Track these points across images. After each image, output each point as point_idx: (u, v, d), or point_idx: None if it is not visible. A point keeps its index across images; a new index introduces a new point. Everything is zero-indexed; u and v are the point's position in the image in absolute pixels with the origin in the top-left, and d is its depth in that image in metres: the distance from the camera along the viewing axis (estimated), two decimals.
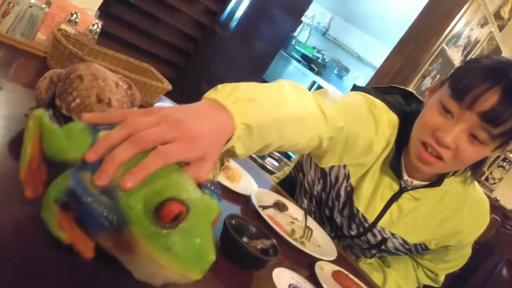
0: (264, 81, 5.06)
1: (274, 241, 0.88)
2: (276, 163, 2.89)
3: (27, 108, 0.83)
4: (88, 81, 0.79)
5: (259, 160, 2.73)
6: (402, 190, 1.16)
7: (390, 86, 1.29)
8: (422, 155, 1.02)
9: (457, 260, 1.38)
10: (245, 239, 0.86)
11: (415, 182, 1.14)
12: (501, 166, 4.06)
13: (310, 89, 4.78)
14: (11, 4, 1.07)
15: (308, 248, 1.06)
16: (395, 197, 1.18)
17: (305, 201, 1.37)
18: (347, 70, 5.28)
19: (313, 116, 0.91)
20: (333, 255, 1.11)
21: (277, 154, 3.15)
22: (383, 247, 1.26)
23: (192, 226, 0.50)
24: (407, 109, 1.20)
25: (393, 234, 1.23)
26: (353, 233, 1.26)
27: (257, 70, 3.87)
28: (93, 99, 0.78)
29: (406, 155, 1.12)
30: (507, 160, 4.06)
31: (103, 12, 2.66)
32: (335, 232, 1.32)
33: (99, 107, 0.78)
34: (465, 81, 0.95)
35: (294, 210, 1.23)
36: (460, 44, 2.70)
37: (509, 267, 1.70)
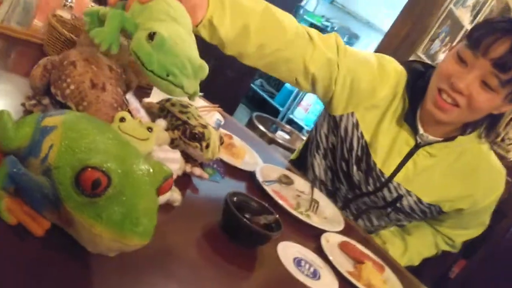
0: None
1: (277, 216, 0.88)
2: (287, 136, 2.89)
3: (24, 97, 0.84)
4: (81, 67, 0.79)
5: (270, 134, 2.73)
6: (418, 146, 1.21)
7: (414, 60, 1.36)
8: (437, 101, 1.10)
9: (475, 227, 1.40)
10: (247, 216, 0.87)
11: (431, 137, 1.19)
12: None
13: None
14: None
15: (314, 221, 1.07)
16: (411, 153, 1.22)
17: (318, 157, 1.40)
18: (357, 37, 5.19)
19: (296, 32, 1.11)
20: (340, 226, 1.11)
21: (288, 127, 3.14)
22: (398, 205, 1.28)
23: (120, 192, 0.52)
24: (421, 68, 1.25)
25: (408, 192, 1.25)
26: (370, 188, 1.28)
27: None
28: (87, 84, 0.78)
29: (422, 109, 1.18)
30: None
31: None
32: (352, 190, 1.33)
33: (93, 93, 0.78)
34: (480, 32, 1.05)
35: (301, 184, 1.23)
36: (469, 4, 2.61)
37: None
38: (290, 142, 2.83)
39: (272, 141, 2.70)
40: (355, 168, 1.27)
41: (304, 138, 3.14)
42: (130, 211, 0.53)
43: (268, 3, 1.08)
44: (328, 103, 1.27)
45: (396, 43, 2.40)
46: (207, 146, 0.87)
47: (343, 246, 1.03)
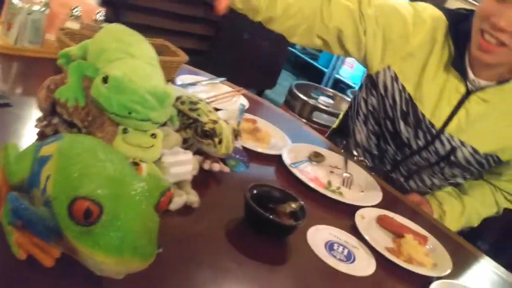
0: None
1: (302, 202, 0.86)
2: (330, 101, 2.81)
3: (36, 119, 0.85)
4: None
5: (311, 102, 2.67)
6: (469, 92, 1.15)
7: (456, 8, 1.28)
8: (481, 44, 1.05)
9: None
10: (271, 206, 0.85)
11: (483, 82, 1.13)
12: None
13: None
14: (13, 14, 1.08)
15: (348, 197, 1.03)
16: (462, 100, 1.16)
17: (358, 123, 1.38)
18: None
19: None
20: (377, 199, 1.07)
21: (331, 90, 3.06)
22: (452, 158, 1.22)
23: (115, 217, 0.52)
24: (463, 12, 1.20)
25: (462, 143, 1.19)
26: (420, 143, 1.23)
27: None
28: (90, 99, 0.78)
29: (470, 53, 1.11)
30: None
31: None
32: (401, 150, 1.29)
33: (96, 107, 0.78)
34: None
35: (334, 159, 1.19)
36: None
37: None
38: (334, 106, 2.76)
39: (315, 109, 2.64)
40: (402, 124, 1.23)
41: (349, 99, 3.05)
42: (126, 235, 0.52)
43: None
44: (364, 61, 1.24)
45: None
46: (220, 142, 0.85)
47: (380, 221, 0.99)
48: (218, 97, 1.28)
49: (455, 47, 1.13)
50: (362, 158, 1.35)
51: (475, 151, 1.19)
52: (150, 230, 0.55)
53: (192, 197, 0.80)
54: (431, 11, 1.20)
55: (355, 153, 1.32)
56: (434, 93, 1.17)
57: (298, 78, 4.96)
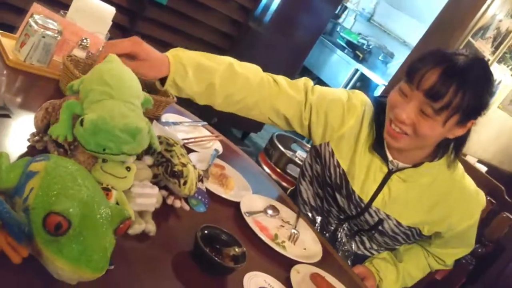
0: (305, 67, 5.05)
1: (244, 249, 0.98)
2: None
3: (30, 133, 0.97)
4: None
5: (288, 154, 2.81)
6: (390, 172, 1.29)
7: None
8: (389, 130, 1.20)
9: (463, 247, 1.46)
10: (218, 247, 0.97)
11: (401, 164, 1.28)
12: None
13: (351, 78, 4.76)
14: (27, 35, 1.21)
15: (289, 252, 1.15)
16: (385, 179, 1.30)
17: (304, 183, 1.50)
18: (392, 55, 5.19)
19: (261, 81, 1.25)
20: (316, 258, 1.19)
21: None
22: (380, 227, 1.36)
23: (79, 233, 0.65)
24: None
25: (387, 215, 1.33)
26: (353, 212, 1.36)
27: (295, 59, 3.90)
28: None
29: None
30: None
31: (140, 15, 2.83)
32: (343, 212, 1.41)
33: None
34: (414, 65, 1.14)
35: (287, 214, 1.31)
36: (489, 35, 2.61)
37: None
38: None
39: (290, 161, 2.78)
40: (337, 193, 1.37)
41: None
42: (85, 249, 0.65)
43: (233, 60, 1.23)
44: (307, 135, 1.39)
45: None
46: (185, 183, 0.98)
47: (313, 278, 1.10)
48: (196, 139, 1.41)
49: (376, 132, 1.28)
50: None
51: (399, 223, 1.33)
52: (106, 249, 0.67)
53: (150, 226, 0.91)
54: (361, 97, 1.35)
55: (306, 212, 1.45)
56: (362, 172, 1.31)
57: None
